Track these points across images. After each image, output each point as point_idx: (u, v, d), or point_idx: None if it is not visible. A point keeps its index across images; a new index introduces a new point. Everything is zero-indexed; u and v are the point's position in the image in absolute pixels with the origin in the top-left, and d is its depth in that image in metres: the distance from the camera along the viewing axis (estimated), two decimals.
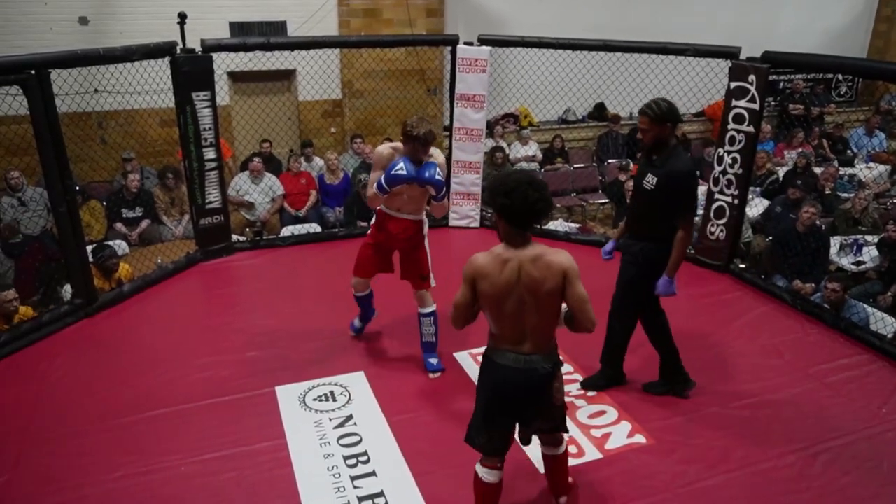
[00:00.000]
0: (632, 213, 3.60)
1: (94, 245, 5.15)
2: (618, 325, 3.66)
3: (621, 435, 3.37)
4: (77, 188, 5.09)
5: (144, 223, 6.33)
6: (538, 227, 6.00)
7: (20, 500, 2.92)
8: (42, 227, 6.02)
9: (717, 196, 5.16)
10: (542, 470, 3.11)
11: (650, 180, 3.35)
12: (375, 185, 3.52)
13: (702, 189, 6.99)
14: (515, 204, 2.36)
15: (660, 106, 3.25)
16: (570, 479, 3.00)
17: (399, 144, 3.57)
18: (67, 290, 4.65)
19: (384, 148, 3.62)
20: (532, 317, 2.44)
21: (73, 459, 3.16)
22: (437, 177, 3.50)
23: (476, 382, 2.69)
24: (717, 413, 3.55)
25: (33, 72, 3.94)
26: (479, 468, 2.64)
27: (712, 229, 5.22)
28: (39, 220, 6.02)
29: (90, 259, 4.72)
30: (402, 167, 3.43)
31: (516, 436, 2.67)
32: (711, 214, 5.22)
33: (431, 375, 3.83)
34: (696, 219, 6.15)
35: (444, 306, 4.43)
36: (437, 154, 3.60)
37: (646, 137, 3.33)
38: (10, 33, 7.02)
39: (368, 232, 3.85)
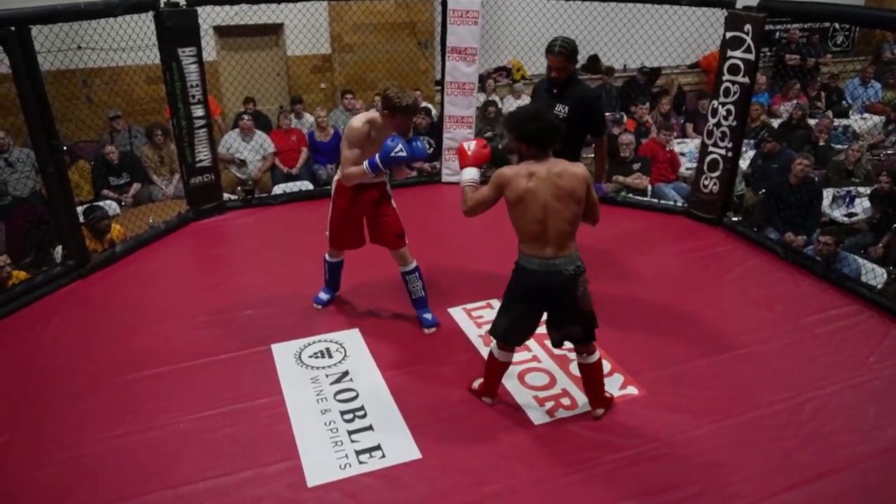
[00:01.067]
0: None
1: (86, 206, 5.11)
2: None
3: (614, 386, 3.42)
4: (65, 148, 5.02)
5: (135, 186, 6.24)
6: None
7: (20, 460, 2.96)
8: (31, 188, 5.96)
9: (710, 149, 5.14)
10: (535, 422, 3.18)
11: (561, 109, 3.71)
12: (366, 164, 3.34)
13: (695, 142, 7.00)
14: (540, 127, 2.78)
15: (571, 44, 3.66)
16: (608, 395, 3.24)
17: (372, 115, 3.41)
18: (59, 252, 4.63)
19: (358, 122, 3.39)
20: (555, 223, 2.79)
21: (72, 419, 3.19)
22: (402, 153, 3.31)
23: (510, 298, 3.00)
24: (708, 364, 3.60)
25: (13, 28, 3.84)
26: (495, 349, 3.10)
27: (706, 182, 5.21)
28: (28, 182, 5.95)
29: (81, 220, 4.69)
30: (400, 148, 3.26)
31: (547, 342, 3.12)
32: (705, 167, 5.20)
33: (427, 331, 3.84)
34: (690, 172, 6.18)
35: (435, 260, 4.45)
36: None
37: (561, 74, 3.68)
38: None
39: (333, 205, 3.69)
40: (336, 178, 3.64)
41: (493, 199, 2.87)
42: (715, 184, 5.15)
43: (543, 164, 2.80)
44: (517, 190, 2.77)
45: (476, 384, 3.33)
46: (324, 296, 4.10)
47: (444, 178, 6.09)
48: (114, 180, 6.22)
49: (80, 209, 4.80)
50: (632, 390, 3.41)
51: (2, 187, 5.71)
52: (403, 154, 3.28)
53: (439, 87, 6.25)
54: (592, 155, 4.24)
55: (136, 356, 3.63)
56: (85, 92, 7.23)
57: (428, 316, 3.87)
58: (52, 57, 4.54)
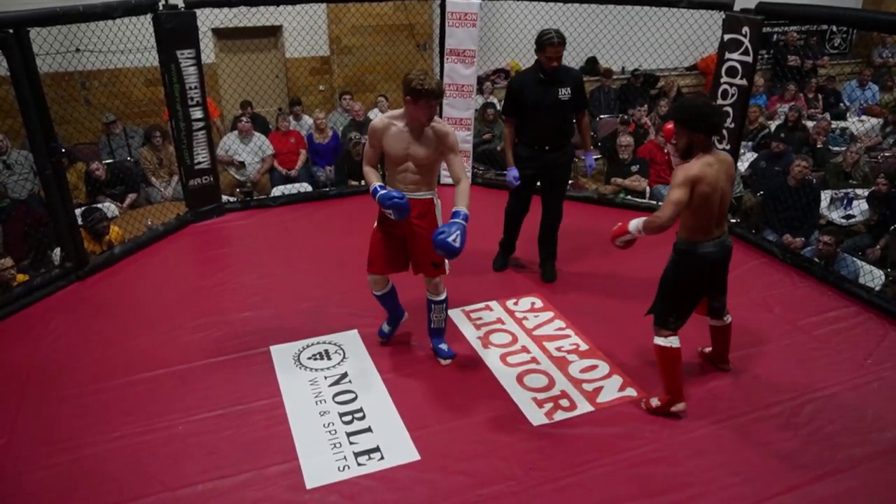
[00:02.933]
0: (554, 129, 4.12)
1: (84, 208, 5.10)
2: (561, 212, 4.37)
3: (612, 388, 3.42)
4: (63, 150, 5.02)
5: (131, 196, 6.18)
6: None
7: (19, 461, 2.95)
8: (29, 190, 5.95)
9: None
10: (534, 423, 3.18)
11: (565, 93, 4.03)
12: (372, 186, 3.17)
13: None
14: (720, 120, 3.09)
15: (562, 34, 3.95)
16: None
17: (397, 112, 3.22)
18: (57, 254, 4.63)
19: (377, 121, 3.24)
20: (725, 204, 3.06)
21: (71, 421, 3.19)
22: (456, 242, 3.01)
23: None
24: (707, 366, 3.60)
25: (11, 30, 3.84)
26: (664, 341, 3.14)
27: None
28: (26, 184, 5.94)
29: (80, 222, 4.69)
30: (393, 208, 3.07)
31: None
32: None
33: (444, 362, 3.61)
34: None
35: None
36: (444, 128, 3.22)
37: (559, 62, 3.98)
38: None
39: (375, 227, 3.41)
40: None
41: (688, 198, 2.92)
42: None
43: (712, 154, 2.97)
44: (710, 181, 2.91)
45: (654, 402, 3.23)
46: (386, 328, 3.76)
47: (443, 180, 6.06)
48: (107, 190, 6.17)
49: (78, 211, 4.79)
50: (631, 392, 3.41)
51: (1, 189, 5.71)
52: (392, 216, 3.12)
53: None
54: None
55: (134, 358, 3.63)
56: (83, 94, 7.23)
57: (444, 347, 3.65)
58: (51, 59, 4.54)
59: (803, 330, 3.94)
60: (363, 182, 3.48)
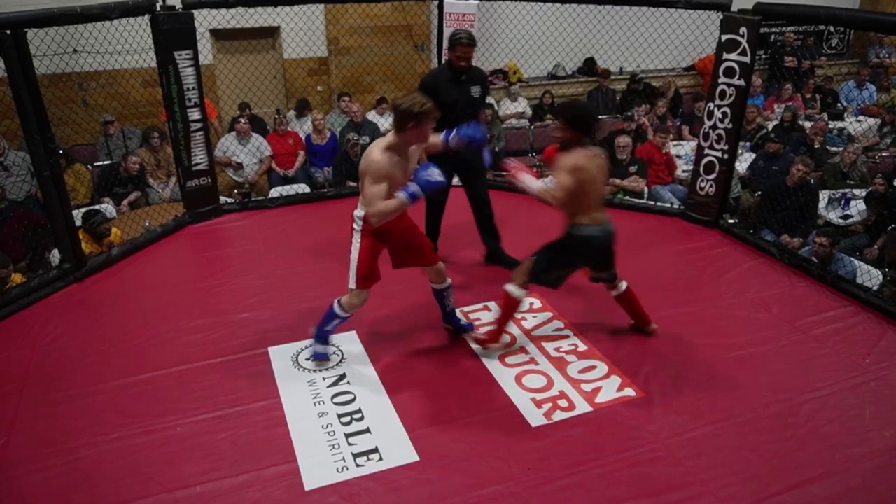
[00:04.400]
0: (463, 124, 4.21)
1: (85, 210, 5.10)
2: (488, 198, 4.60)
3: (611, 388, 3.42)
4: (61, 151, 5.01)
5: (135, 194, 6.21)
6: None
7: (17, 462, 2.95)
8: (27, 191, 5.94)
9: (706, 151, 5.15)
10: (532, 424, 3.18)
11: (476, 90, 4.29)
12: (404, 195, 3.06)
13: (691, 144, 7.02)
14: (594, 121, 3.52)
15: (473, 35, 4.21)
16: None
17: (386, 141, 3.15)
18: (55, 255, 4.62)
19: (378, 154, 3.10)
20: (601, 192, 3.48)
21: (69, 422, 3.18)
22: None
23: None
24: (706, 365, 3.61)
25: (8, 31, 3.84)
26: (516, 290, 3.52)
27: (702, 184, 5.22)
28: (24, 185, 5.93)
29: (80, 224, 4.68)
30: (438, 173, 3.07)
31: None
32: (701, 170, 5.21)
33: (473, 333, 3.83)
34: (686, 174, 6.20)
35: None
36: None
37: (468, 62, 4.21)
38: None
39: (362, 244, 3.31)
40: (359, 215, 3.29)
41: (575, 184, 3.26)
42: (711, 186, 5.17)
43: (589, 148, 3.35)
44: (590, 169, 3.28)
45: (481, 334, 3.74)
46: (323, 347, 3.65)
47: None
48: (118, 189, 6.18)
49: (77, 212, 4.78)
50: (629, 392, 3.41)
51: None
52: (441, 178, 3.09)
53: None
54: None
55: (132, 359, 3.62)
56: (81, 95, 7.23)
57: (463, 322, 3.90)
58: (48, 60, 4.53)
59: (801, 330, 3.95)
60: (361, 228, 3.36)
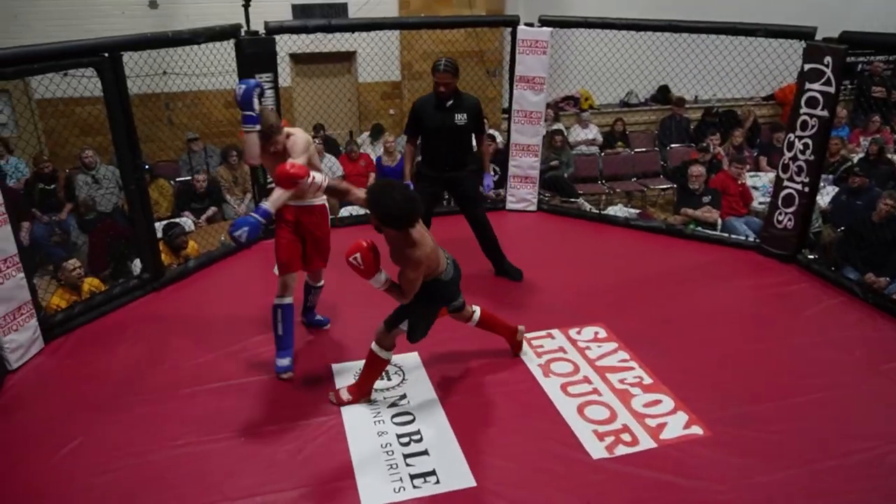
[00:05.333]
0: (451, 151, 4.45)
1: (165, 222, 5.34)
2: (486, 218, 4.66)
3: (677, 425, 3.31)
4: (146, 167, 5.29)
5: (211, 210, 6.50)
6: (597, 211, 5.96)
7: (90, 464, 3.07)
8: (114, 204, 6.28)
9: (785, 183, 4.96)
10: (594, 456, 3.09)
11: (461, 118, 4.35)
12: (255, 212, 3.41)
13: (769, 176, 6.79)
14: (411, 215, 3.04)
15: (453, 62, 4.29)
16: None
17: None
18: (137, 265, 4.84)
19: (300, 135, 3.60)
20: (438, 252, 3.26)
21: (140, 427, 3.30)
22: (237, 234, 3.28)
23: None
24: (778, 407, 3.43)
25: (106, 54, 4.09)
26: (384, 353, 3.35)
27: (780, 217, 5.02)
28: (112, 198, 6.27)
29: (160, 236, 4.90)
30: (249, 229, 3.28)
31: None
32: (779, 202, 5.02)
33: (327, 326, 4.14)
34: (763, 206, 5.99)
35: (497, 288, 4.43)
36: (298, 134, 3.58)
37: (448, 89, 4.29)
38: (84, 17, 7.31)
39: (275, 232, 3.72)
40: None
41: (421, 270, 3.09)
42: (790, 219, 4.96)
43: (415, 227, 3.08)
44: (430, 244, 3.11)
45: (346, 395, 3.45)
46: (283, 360, 3.67)
47: (509, 206, 6.09)
48: (195, 205, 6.47)
49: (158, 225, 5.01)
50: (696, 430, 3.28)
51: (89, 202, 6.04)
52: (242, 238, 3.29)
53: (506, 115, 6.29)
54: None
55: (202, 368, 3.74)
56: (167, 114, 7.61)
57: (320, 317, 4.16)
58: (140, 81, 4.80)
59: (885, 374, 3.72)
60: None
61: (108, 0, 7.61)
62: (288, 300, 3.67)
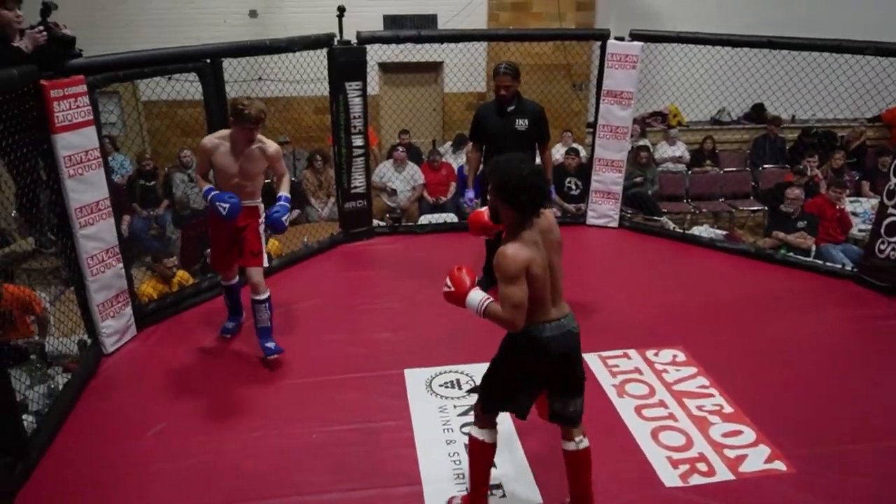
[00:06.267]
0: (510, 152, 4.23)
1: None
2: None
3: (758, 459, 3.15)
4: None
5: (294, 213, 6.69)
6: (681, 231, 5.80)
7: (172, 450, 3.23)
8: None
9: (890, 210, 4.66)
10: (666, 483, 2.99)
11: (522, 123, 4.27)
12: (204, 188, 3.59)
13: (872, 202, 6.40)
14: (537, 196, 2.42)
15: (514, 65, 4.24)
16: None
17: (226, 132, 3.56)
18: None
19: (207, 139, 3.60)
20: (557, 278, 2.52)
21: (218, 416, 3.45)
22: (283, 217, 3.57)
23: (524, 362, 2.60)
24: (873, 449, 3.21)
25: (209, 60, 4.31)
26: (479, 432, 2.67)
27: (882, 247, 4.72)
28: None
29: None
30: (225, 207, 3.44)
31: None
32: (882, 230, 4.71)
33: (271, 357, 3.80)
34: (863, 234, 5.66)
35: (572, 303, 4.36)
36: (269, 144, 3.60)
37: (508, 92, 4.23)
38: (189, 25, 7.73)
39: (211, 227, 3.82)
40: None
41: (526, 288, 2.40)
42: (893, 249, 4.65)
43: (535, 226, 2.46)
44: (540, 261, 2.42)
45: (459, 499, 2.86)
46: (228, 324, 4.17)
47: (589, 221, 6.00)
48: None
49: None
50: (779, 465, 3.11)
51: (184, 200, 6.36)
52: (223, 213, 3.43)
53: (591, 130, 6.20)
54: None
55: (280, 363, 3.85)
56: None
57: (270, 345, 3.82)
58: (238, 86, 5.02)
59: None
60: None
61: (212, 9, 8.02)
62: (229, 283, 4.05)
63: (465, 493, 2.85)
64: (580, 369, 2.61)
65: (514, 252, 2.38)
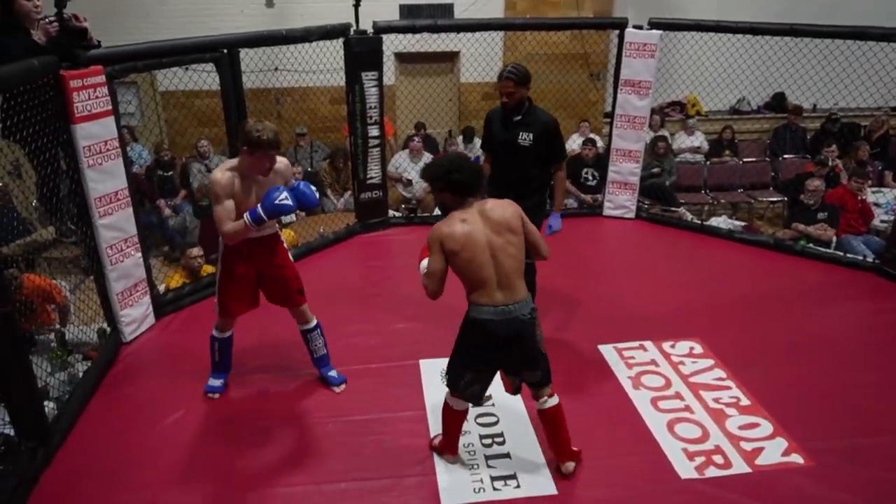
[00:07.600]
0: (512, 173, 3.73)
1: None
2: (533, 270, 3.67)
3: (775, 451, 3.12)
4: None
5: None
6: (699, 222, 5.76)
7: (190, 437, 3.27)
8: None
9: None
10: (682, 475, 2.97)
11: (526, 137, 3.66)
12: (247, 217, 3.02)
13: (895, 192, 6.29)
14: (465, 177, 2.66)
15: (520, 69, 3.67)
16: (575, 449, 2.97)
17: (233, 162, 3.11)
18: None
19: (219, 173, 3.07)
20: (503, 260, 2.63)
21: (234, 403, 3.49)
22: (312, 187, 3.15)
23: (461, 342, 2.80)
24: (892, 442, 3.17)
25: (226, 50, 4.33)
26: (450, 398, 2.90)
27: None
28: None
29: None
30: (285, 196, 2.97)
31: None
32: None
33: (337, 389, 3.57)
34: (886, 225, 5.57)
35: (590, 293, 4.33)
36: (278, 161, 3.18)
37: (511, 99, 3.66)
38: (206, 15, 7.75)
39: (222, 266, 3.33)
40: (221, 240, 3.27)
41: (443, 262, 2.63)
42: None
43: (471, 207, 2.68)
44: (458, 237, 2.60)
45: (436, 441, 3.13)
46: (215, 382, 3.57)
47: (606, 212, 5.96)
48: None
49: None
50: (796, 458, 3.09)
51: (204, 189, 6.40)
52: (289, 203, 2.98)
53: (608, 120, 6.16)
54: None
55: (296, 355, 3.86)
56: (276, 108, 7.95)
57: (333, 374, 3.61)
58: (254, 76, 5.04)
59: None
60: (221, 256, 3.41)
61: (230, 0, 8.04)
62: (227, 335, 3.54)
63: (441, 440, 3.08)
64: (533, 350, 2.75)
65: (435, 227, 2.66)
